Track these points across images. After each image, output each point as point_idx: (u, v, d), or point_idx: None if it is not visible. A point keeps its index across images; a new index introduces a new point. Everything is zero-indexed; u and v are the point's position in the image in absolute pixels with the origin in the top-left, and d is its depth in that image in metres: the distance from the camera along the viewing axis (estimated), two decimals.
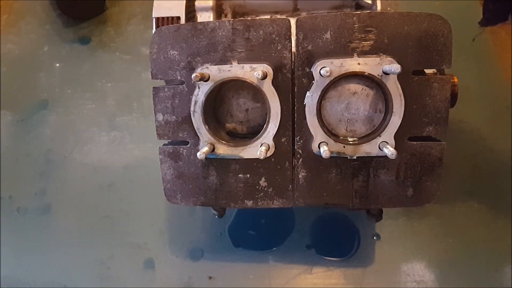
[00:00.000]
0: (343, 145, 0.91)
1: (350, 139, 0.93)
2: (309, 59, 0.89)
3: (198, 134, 0.94)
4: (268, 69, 0.89)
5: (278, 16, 1.23)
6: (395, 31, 0.86)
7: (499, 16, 1.17)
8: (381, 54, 0.87)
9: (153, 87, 0.95)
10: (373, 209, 1.09)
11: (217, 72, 0.90)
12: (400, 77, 0.86)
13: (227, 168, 0.96)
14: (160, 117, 0.96)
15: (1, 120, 1.65)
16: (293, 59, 0.90)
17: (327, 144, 0.90)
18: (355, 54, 0.87)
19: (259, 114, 0.98)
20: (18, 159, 1.58)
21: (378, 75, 0.87)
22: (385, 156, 0.88)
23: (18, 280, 1.37)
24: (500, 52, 1.25)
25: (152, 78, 0.95)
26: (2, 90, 1.71)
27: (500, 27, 1.33)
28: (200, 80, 0.88)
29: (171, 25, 0.98)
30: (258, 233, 1.38)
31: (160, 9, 1.14)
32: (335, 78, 0.87)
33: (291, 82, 0.90)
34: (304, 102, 0.90)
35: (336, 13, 0.88)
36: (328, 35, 0.88)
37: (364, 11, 0.90)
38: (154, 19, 1.14)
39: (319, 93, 0.89)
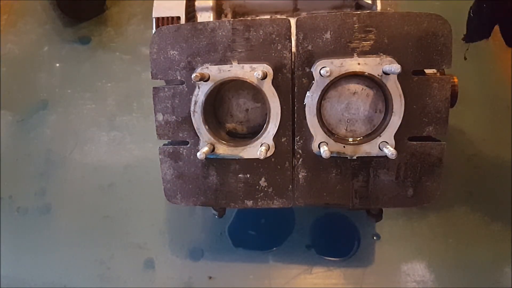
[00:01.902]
0: (343, 145, 0.91)
1: (350, 139, 0.93)
2: (309, 59, 0.89)
3: (198, 134, 0.94)
4: (268, 69, 0.89)
5: (278, 16, 1.23)
6: (395, 31, 0.86)
7: (482, 33, 1.18)
8: (381, 54, 0.87)
9: (153, 87, 0.95)
10: (373, 209, 1.09)
11: (217, 72, 0.90)
12: (400, 77, 0.86)
13: (227, 168, 0.96)
14: (160, 117, 0.96)
15: (1, 120, 1.65)
16: (293, 59, 0.90)
17: (327, 144, 0.90)
18: (355, 54, 0.87)
19: (259, 114, 0.98)
20: (18, 159, 1.58)
21: (378, 75, 0.87)
22: (385, 156, 0.88)
23: (18, 280, 1.37)
24: (500, 52, 1.25)
25: (152, 78, 0.95)
26: (2, 90, 1.71)
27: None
28: (200, 80, 0.88)
29: (171, 25, 0.98)
30: (258, 233, 1.38)
31: (160, 9, 1.14)
32: (335, 78, 0.87)
33: (291, 82, 0.90)
34: (304, 102, 0.90)
35: (336, 13, 0.88)
36: (328, 35, 0.88)
37: (364, 11, 0.90)
38: (154, 19, 1.14)
39: (319, 93, 0.89)
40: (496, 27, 1.15)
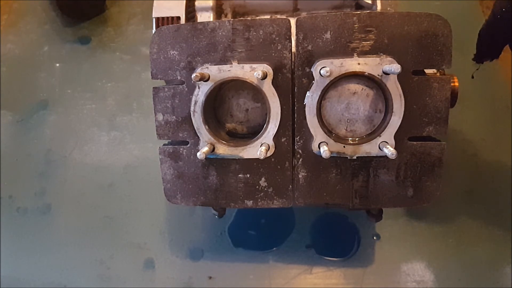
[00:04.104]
0: (343, 145, 0.91)
1: (350, 139, 0.93)
2: (309, 59, 0.89)
3: (198, 134, 0.94)
4: (268, 69, 0.89)
5: (278, 16, 1.23)
6: (395, 31, 0.86)
7: (492, 54, 1.20)
8: (381, 54, 0.87)
9: (153, 87, 0.95)
10: (373, 209, 1.09)
11: (217, 72, 0.90)
12: (400, 77, 0.86)
13: (227, 168, 0.96)
14: (160, 117, 0.96)
15: (1, 120, 1.65)
16: (293, 59, 0.90)
17: (327, 144, 0.90)
18: (355, 54, 0.87)
19: (259, 114, 0.98)
20: (18, 159, 1.58)
21: (378, 75, 0.87)
22: (385, 156, 0.88)
23: (18, 280, 1.37)
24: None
25: (152, 78, 0.95)
26: (2, 90, 1.71)
27: None
28: (200, 80, 0.88)
29: (171, 25, 0.98)
30: (258, 233, 1.38)
31: (160, 9, 1.14)
32: (335, 78, 0.87)
33: (291, 82, 0.90)
34: (304, 102, 0.90)
35: (336, 13, 0.88)
36: (328, 35, 0.88)
37: (364, 11, 0.90)
38: (154, 19, 1.14)
39: (319, 93, 0.89)
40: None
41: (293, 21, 0.89)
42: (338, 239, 1.36)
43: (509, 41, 1.15)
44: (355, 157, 0.92)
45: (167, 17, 1.13)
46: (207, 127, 0.93)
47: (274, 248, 1.35)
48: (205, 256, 1.36)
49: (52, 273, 1.37)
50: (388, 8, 1.11)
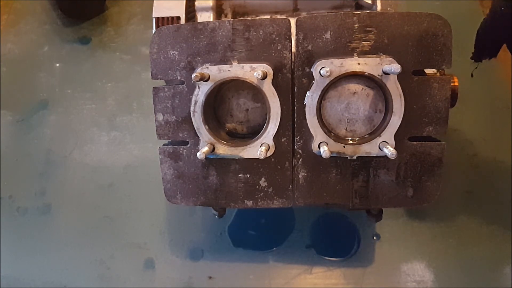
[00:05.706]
0: (343, 145, 0.91)
1: (350, 139, 0.93)
2: (309, 59, 0.89)
3: (198, 134, 0.94)
4: (268, 69, 0.89)
5: (278, 16, 1.23)
6: (395, 31, 0.86)
7: (490, 52, 1.20)
8: (381, 54, 0.87)
9: (153, 87, 0.95)
10: (373, 209, 1.09)
11: (217, 72, 0.90)
12: (400, 77, 0.86)
13: (227, 168, 0.96)
14: (160, 117, 0.96)
15: (1, 120, 1.65)
16: (293, 59, 0.90)
17: (327, 144, 0.90)
18: (355, 54, 0.87)
19: (259, 114, 0.98)
20: (18, 159, 1.58)
21: (378, 75, 0.87)
22: (385, 156, 0.88)
23: (18, 280, 1.37)
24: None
25: (152, 78, 0.95)
26: (2, 90, 1.71)
27: None
28: (200, 80, 0.88)
29: (171, 25, 0.98)
30: (258, 233, 1.38)
31: (160, 9, 1.14)
32: (335, 78, 0.88)
33: (291, 82, 0.90)
34: (304, 102, 0.90)
35: (336, 13, 0.88)
36: (328, 35, 0.88)
37: (364, 11, 0.90)
38: (154, 19, 1.14)
39: (319, 93, 0.89)
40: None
41: (293, 21, 0.89)
42: (338, 239, 1.36)
43: (507, 40, 1.15)
44: (355, 157, 0.92)
45: (167, 17, 1.13)
46: (207, 127, 0.93)
47: (274, 248, 1.35)
48: (205, 256, 1.36)
49: (52, 273, 1.37)
50: (388, 8, 1.11)
